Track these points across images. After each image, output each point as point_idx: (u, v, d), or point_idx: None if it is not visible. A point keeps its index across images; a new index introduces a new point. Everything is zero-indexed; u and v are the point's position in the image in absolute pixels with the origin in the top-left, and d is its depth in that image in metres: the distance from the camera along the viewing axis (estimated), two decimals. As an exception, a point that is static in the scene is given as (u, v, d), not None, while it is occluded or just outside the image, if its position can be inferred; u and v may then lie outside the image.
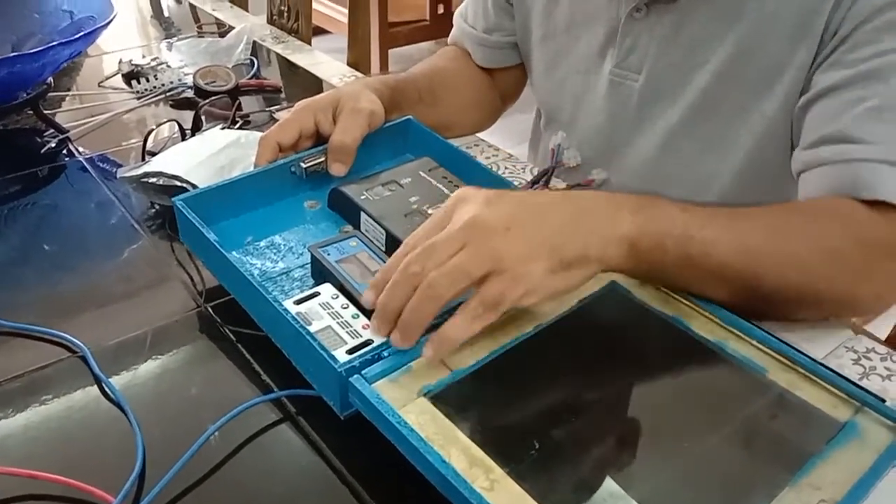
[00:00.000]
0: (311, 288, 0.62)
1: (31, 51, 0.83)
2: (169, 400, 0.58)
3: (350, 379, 0.52)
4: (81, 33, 0.86)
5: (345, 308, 0.58)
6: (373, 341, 0.55)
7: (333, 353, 0.53)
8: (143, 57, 1.16)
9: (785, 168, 0.73)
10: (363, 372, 0.52)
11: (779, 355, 0.57)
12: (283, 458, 0.54)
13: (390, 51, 3.08)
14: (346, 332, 0.56)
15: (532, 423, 0.52)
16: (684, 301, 0.62)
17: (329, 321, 0.57)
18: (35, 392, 0.59)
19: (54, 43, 0.84)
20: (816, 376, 0.56)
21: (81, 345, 0.62)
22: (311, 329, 0.56)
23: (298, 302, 0.59)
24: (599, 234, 0.56)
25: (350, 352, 0.54)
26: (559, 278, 0.54)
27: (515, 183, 0.84)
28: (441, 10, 3.17)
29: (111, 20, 0.93)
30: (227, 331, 0.65)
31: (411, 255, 0.53)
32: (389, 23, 3.01)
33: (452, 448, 0.48)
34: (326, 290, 0.60)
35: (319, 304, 0.58)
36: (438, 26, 3.18)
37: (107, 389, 0.58)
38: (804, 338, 0.64)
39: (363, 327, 0.56)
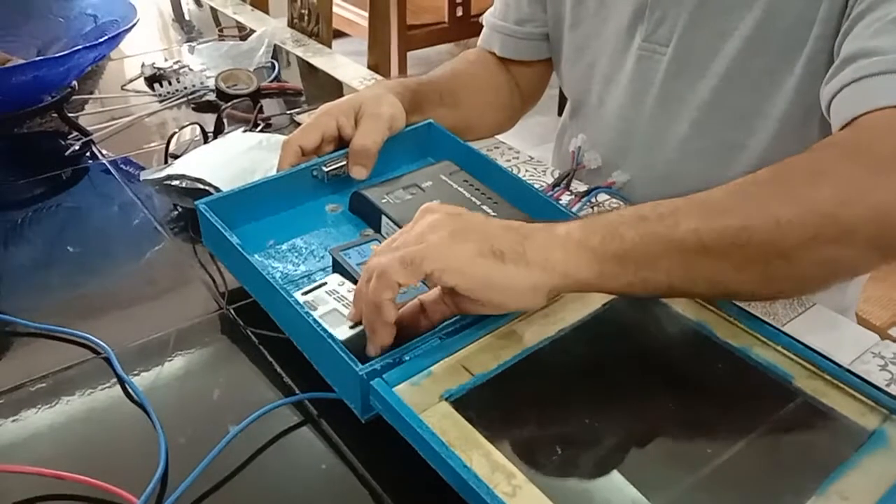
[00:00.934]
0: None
1: (57, 55, 0.84)
2: (191, 401, 0.59)
3: (371, 383, 0.51)
4: (106, 37, 0.87)
5: (350, 292, 0.59)
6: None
7: (334, 331, 0.55)
8: (165, 60, 1.17)
9: (819, 130, 0.72)
10: (384, 376, 0.52)
11: (805, 361, 0.57)
12: (304, 461, 0.55)
13: (409, 53, 3.08)
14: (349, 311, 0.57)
15: (554, 428, 0.52)
16: (708, 305, 0.61)
17: (334, 304, 0.58)
18: (59, 393, 0.59)
19: (79, 47, 0.85)
20: (843, 383, 0.55)
21: (105, 346, 0.62)
22: (316, 314, 0.56)
23: (306, 293, 0.59)
24: (539, 240, 0.53)
25: (352, 327, 0.55)
26: (489, 265, 0.51)
27: (536, 186, 0.84)
28: (460, 12, 3.17)
29: (134, 24, 0.94)
30: (248, 333, 0.65)
31: (373, 259, 0.54)
32: (408, 25, 3.02)
33: (474, 452, 0.48)
34: (333, 279, 0.61)
35: (326, 292, 0.59)
36: (457, 29, 3.18)
37: (130, 390, 0.59)
38: (830, 343, 0.63)
39: None
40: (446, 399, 0.52)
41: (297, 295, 0.59)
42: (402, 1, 2.87)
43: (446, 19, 3.18)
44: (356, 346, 0.55)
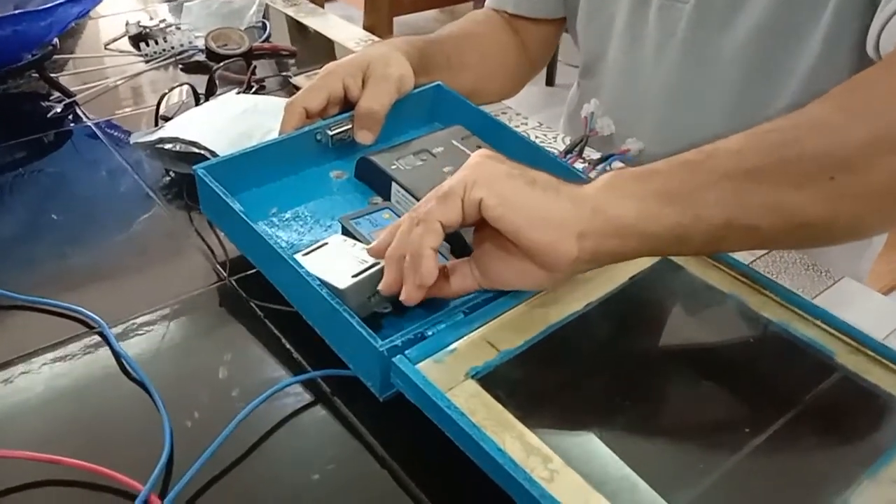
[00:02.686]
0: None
1: (38, 8, 0.79)
2: (194, 379, 0.55)
3: (393, 359, 0.48)
4: (91, -10, 0.81)
5: (355, 247, 0.56)
6: (378, 263, 0.53)
7: (334, 281, 0.52)
8: (151, 19, 1.11)
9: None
10: (406, 352, 0.48)
11: (846, 336, 0.54)
12: (318, 442, 0.51)
13: (395, 19, 3.02)
14: (351, 261, 0.54)
15: (588, 409, 0.49)
16: (741, 277, 0.58)
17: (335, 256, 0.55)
18: (52, 369, 0.55)
19: (61, 0, 0.79)
20: (887, 359, 0.52)
21: (99, 319, 0.58)
22: (322, 276, 0.53)
23: (307, 254, 0.56)
24: (571, 185, 0.49)
25: (355, 276, 0.53)
26: (522, 186, 0.47)
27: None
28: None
29: (121, -23, 0.88)
30: (253, 305, 0.61)
31: (413, 211, 0.50)
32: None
33: (506, 435, 0.45)
34: (335, 239, 0.57)
35: (328, 251, 0.56)
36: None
37: (128, 367, 0.55)
38: (861, 317, 0.59)
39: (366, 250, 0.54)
40: (472, 377, 0.49)
41: (298, 256, 0.55)
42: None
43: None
44: (357, 295, 0.52)
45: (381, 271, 0.51)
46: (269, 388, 0.52)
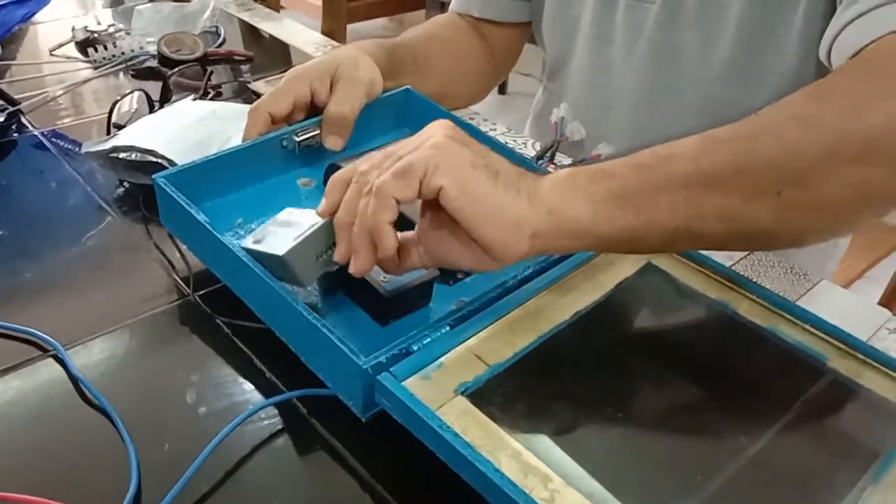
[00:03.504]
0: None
1: (-21, 10, 0.74)
2: (160, 405, 0.51)
3: (377, 377, 0.45)
4: (36, -9, 0.77)
5: (290, 215, 0.54)
6: (315, 224, 0.51)
7: (274, 250, 0.50)
8: (99, 24, 1.06)
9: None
10: (392, 369, 0.46)
11: (836, 340, 0.53)
12: (298, 468, 0.48)
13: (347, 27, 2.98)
14: (291, 230, 0.51)
15: (584, 423, 0.47)
16: (728, 282, 0.57)
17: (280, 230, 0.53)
18: (2, 396, 0.50)
19: (5, 1, 0.75)
20: (878, 362, 0.51)
21: (54, 341, 0.54)
22: (261, 248, 0.51)
23: (257, 241, 0.53)
24: (530, 177, 0.48)
25: (295, 239, 0.50)
26: (483, 178, 0.45)
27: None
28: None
29: (67, -21, 0.84)
30: (220, 323, 0.57)
31: (364, 164, 0.48)
32: (350, -3, 2.91)
33: (501, 454, 0.42)
34: (279, 216, 0.54)
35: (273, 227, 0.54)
36: (398, 2, 3.10)
37: (87, 393, 0.51)
38: (841, 320, 0.58)
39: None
40: (462, 393, 0.46)
41: (247, 243, 0.53)
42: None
43: (384, -9, 3.09)
44: (301, 260, 0.50)
45: (322, 230, 0.50)
46: (241, 412, 0.49)
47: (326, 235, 0.50)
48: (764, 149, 0.47)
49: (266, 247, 0.51)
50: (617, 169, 0.48)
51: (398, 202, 0.46)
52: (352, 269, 0.48)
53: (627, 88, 0.83)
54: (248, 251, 0.52)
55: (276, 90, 0.67)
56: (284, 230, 0.52)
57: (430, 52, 0.84)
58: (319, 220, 0.51)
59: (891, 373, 0.51)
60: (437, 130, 0.48)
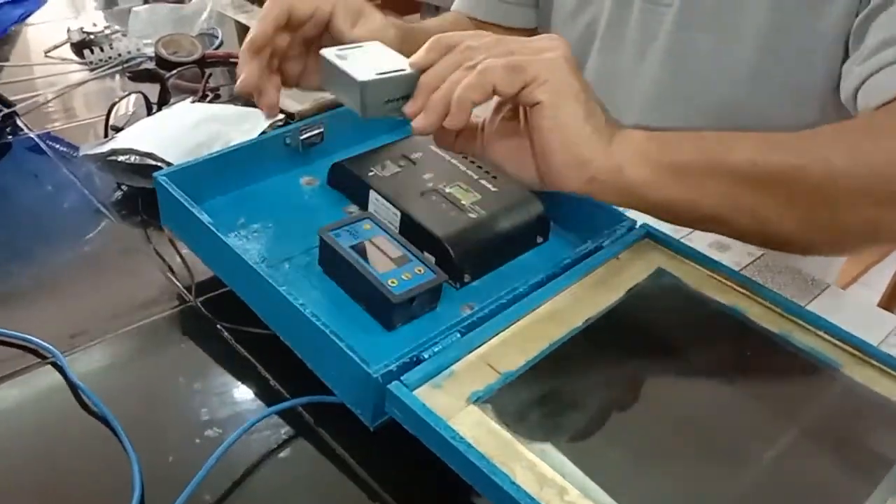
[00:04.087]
0: (318, 276, 0.56)
1: (-26, 9, 0.73)
2: (162, 414, 0.50)
3: (388, 386, 0.44)
4: (33, -9, 0.75)
5: (383, 53, 0.54)
6: (404, 70, 0.52)
7: (355, 73, 0.51)
8: (95, 25, 1.04)
9: (829, 94, 0.70)
10: (402, 378, 0.44)
11: (851, 347, 0.52)
12: (304, 478, 0.47)
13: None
14: (380, 63, 0.52)
15: (598, 432, 0.46)
16: (739, 288, 0.56)
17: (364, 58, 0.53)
18: (1, 405, 0.49)
19: (2, 2, 0.73)
20: (894, 370, 0.51)
21: (52, 348, 0.52)
22: (342, 65, 0.52)
23: (340, 57, 0.53)
24: (614, 128, 0.53)
25: (380, 74, 0.51)
26: (579, 112, 0.50)
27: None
28: (394, -11, 3.08)
29: (64, -21, 0.83)
30: (222, 329, 0.56)
31: (473, 41, 0.50)
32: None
33: (516, 465, 0.41)
34: (372, 45, 0.56)
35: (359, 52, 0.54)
36: (393, 7, 3.09)
37: (87, 402, 0.49)
38: (850, 326, 0.57)
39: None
40: (474, 402, 0.45)
41: (330, 52, 0.54)
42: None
43: (379, -4, 3.08)
44: (376, 93, 0.51)
45: (406, 79, 0.51)
46: (246, 421, 0.48)
47: (407, 86, 0.52)
48: (814, 169, 0.51)
49: (348, 67, 0.51)
50: (684, 144, 0.53)
51: (493, 91, 0.49)
52: (415, 125, 0.50)
53: (640, 91, 0.82)
54: (326, 60, 0.53)
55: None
56: (370, 59, 0.53)
57: None
58: (406, 69, 0.52)
59: (907, 380, 0.50)
60: (557, 46, 0.50)
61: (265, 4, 0.61)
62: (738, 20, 0.72)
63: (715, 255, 0.58)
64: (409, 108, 0.51)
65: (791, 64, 0.71)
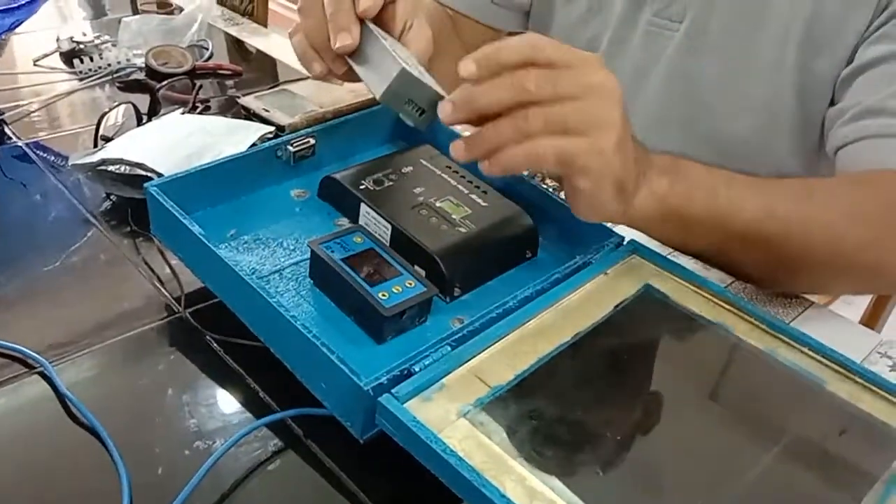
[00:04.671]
0: (308, 288, 0.56)
1: (-35, 17, 0.72)
2: (150, 425, 0.49)
3: (379, 399, 0.44)
4: (26, 0, 0.75)
5: (420, 69, 0.54)
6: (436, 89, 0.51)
7: (397, 57, 0.50)
8: (84, 34, 1.04)
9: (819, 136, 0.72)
10: (393, 391, 0.45)
11: (835, 364, 0.53)
12: (293, 491, 0.47)
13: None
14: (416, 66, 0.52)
15: (587, 446, 0.46)
16: (726, 305, 0.56)
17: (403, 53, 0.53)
18: (-15, 417, 0.49)
19: (-7, 9, 0.73)
20: (877, 386, 0.51)
21: (41, 358, 0.52)
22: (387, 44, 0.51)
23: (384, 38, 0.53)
24: (640, 182, 0.55)
25: (420, 74, 0.51)
26: (612, 194, 0.51)
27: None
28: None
29: (55, -12, 0.82)
30: (211, 341, 0.56)
31: (533, 70, 0.46)
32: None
33: (506, 479, 0.41)
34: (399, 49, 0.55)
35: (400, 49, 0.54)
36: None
37: (76, 413, 0.49)
38: (833, 343, 0.58)
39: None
40: (465, 416, 0.45)
41: (376, 28, 0.54)
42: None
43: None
44: (405, 88, 0.50)
45: (437, 97, 0.50)
46: (235, 433, 0.48)
47: (431, 102, 0.51)
48: (813, 240, 0.58)
49: (393, 49, 0.50)
50: (697, 198, 0.56)
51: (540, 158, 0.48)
52: (453, 151, 0.49)
53: (638, 112, 0.81)
54: (373, 34, 0.51)
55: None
56: (409, 58, 0.53)
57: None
58: (437, 88, 0.51)
59: (889, 397, 0.51)
60: (614, 107, 0.48)
61: None
62: (744, 51, 0.73)
63: (701, 272, 0.59)
64: (447, 111, 0.48)
65: (792, 99, 0.72)
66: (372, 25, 0.55)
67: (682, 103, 0.79)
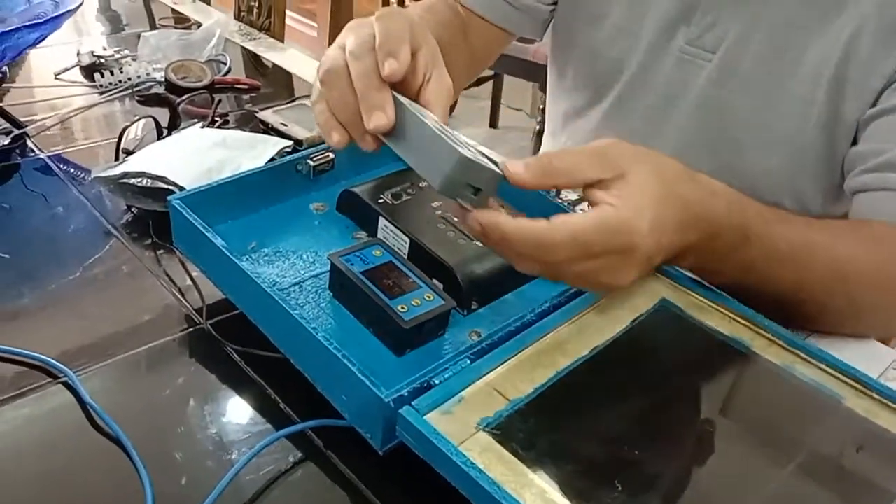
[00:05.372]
0: (328, 301, 0.56)
1: (-7, 33, 0.74)
2: (173, 435, 0.50)
3: (400, 411, 0.45)
4: (51, 15, 0.77)
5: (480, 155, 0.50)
6: (497, 167, 0.48)
7: (452, 143, 0.47)
8: (105, 49, 1.06)
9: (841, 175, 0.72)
10: (414, 403, 0.45)
11: (852, 380, 0.53)
12: (314, 500, 0.48)
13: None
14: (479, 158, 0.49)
15: (607, 459, 0.46)
16: (743, 321, 0.57)
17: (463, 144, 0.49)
18: (12, 425, 0.49)
19: (19, 25, 0.75)
20: (895, 404, 0.51)
21: (65, 368, 0.53)
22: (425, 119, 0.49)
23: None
24: (660, 258, 0.53)
25: (474, 155, 0.47)
26: (632, 276, 0.50)
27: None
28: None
29: (80, 4, 0.84)
30: (231, 351, 0.57)
31: (569, 246, 0.46)
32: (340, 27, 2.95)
33: (526, 492, 0.42)
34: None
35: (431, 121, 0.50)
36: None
37: (100, 422, 0.50)
38: (850, 359, 0.59)
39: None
40: (484, 429, 0.45)
41: (414, 106, 0.50)
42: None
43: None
44: (463, 173, 0.46)
45: (496, 176, 0.48)
46: (256, 444, 0.48)
47: (490, 182, 0.48)
48: (843, 320, 0.63)
49: (443, 133, 0.48)
50: (728, 266, 0.57)
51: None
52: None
53: (663, 138, 0.81)
54: (414, 115, 0.48)
55: (384, 35, 0.51)
56: (447, 131, 0.49)
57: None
58: (486, 160, 0.49)
59: (907, 413, 0.51)
60: (634, 276, 0.49)
61: (380, 33, 0.51)
62: (775, 87, 0.73)
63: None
64: (472, 226, 0.48)
65: (819, 136, 0.72)
66: (409, 103, 0.51)
67: (710, 134, 0.78)
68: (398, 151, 0.50)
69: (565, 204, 0.67)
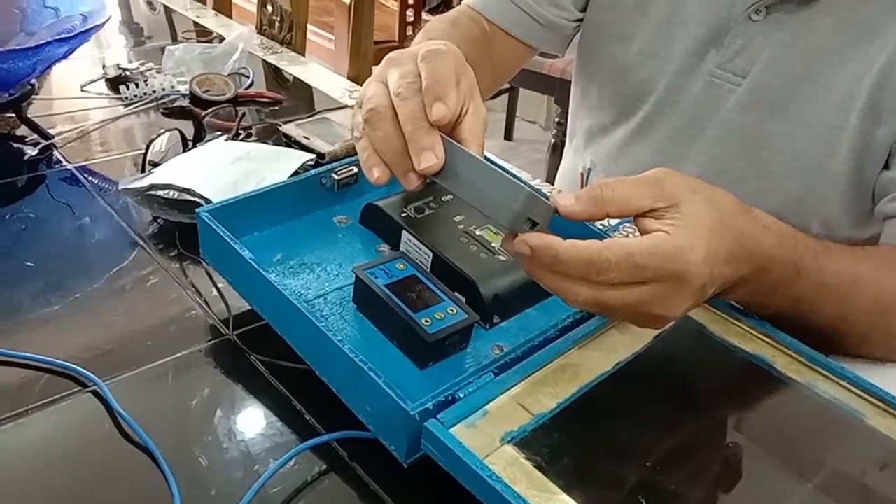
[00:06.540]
0: (352, 313, 0.57)
1: (24, 46, 0.75)
2: (200, 445, 0.51)
3: (425, 424, 0.45)
4: (80, 29, 0.78)
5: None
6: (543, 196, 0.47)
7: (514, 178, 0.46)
8: (130, 62, 1.07)
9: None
10: (439, 416, 0.46)
11: (873, 398, 0.53)
12: (338, 513, 0.48)
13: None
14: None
15: (631, 474, 0.47)
16: (764, 338, 0.57)
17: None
18: (42, 432, 0.50)
19: (49, 39, 0.76)
20: (918, 422, 0.51)
21: (94, 377, 0.54)
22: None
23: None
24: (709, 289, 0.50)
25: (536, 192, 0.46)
26: (673, 316, 0.49)
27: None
28: (409, 31, 3.14)
29: (108, 19, 0.85)
30: (257, 363, 0.57)
31: (622, 266, 0.45)
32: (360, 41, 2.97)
33: (551, 506, 0.42)
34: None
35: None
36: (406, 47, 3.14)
37: (129, 431, 0.50)
38: (873, 377, 0.58)
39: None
40: (508, 442, 0.46)
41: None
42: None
43: (397, 38, 3.14)
44: (528, 207, 0.46)
45: (550, 210, 0.47)
46: (282, 454, 0.49)
47: (545, 215, 0.47)
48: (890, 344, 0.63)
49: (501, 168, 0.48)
50: (773, 299, 0.56)
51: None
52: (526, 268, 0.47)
53: (690, 161, 0.80)
54: (468, 154, 0.48)
55: (433, 77, 0.50)
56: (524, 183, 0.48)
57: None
58: (538, 193, 0.47)
59: (930, 433, 0.51)
60: (687, 306, 0.48)
61: (428, 76, 0.50)
62: (806, 113, 0.72)
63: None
64: (510, 249, 0.47)
65: (849, 161, 0.72)
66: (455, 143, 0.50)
67: (737, 157, 0.77)
68: (448, 188, 0.49)
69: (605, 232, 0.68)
